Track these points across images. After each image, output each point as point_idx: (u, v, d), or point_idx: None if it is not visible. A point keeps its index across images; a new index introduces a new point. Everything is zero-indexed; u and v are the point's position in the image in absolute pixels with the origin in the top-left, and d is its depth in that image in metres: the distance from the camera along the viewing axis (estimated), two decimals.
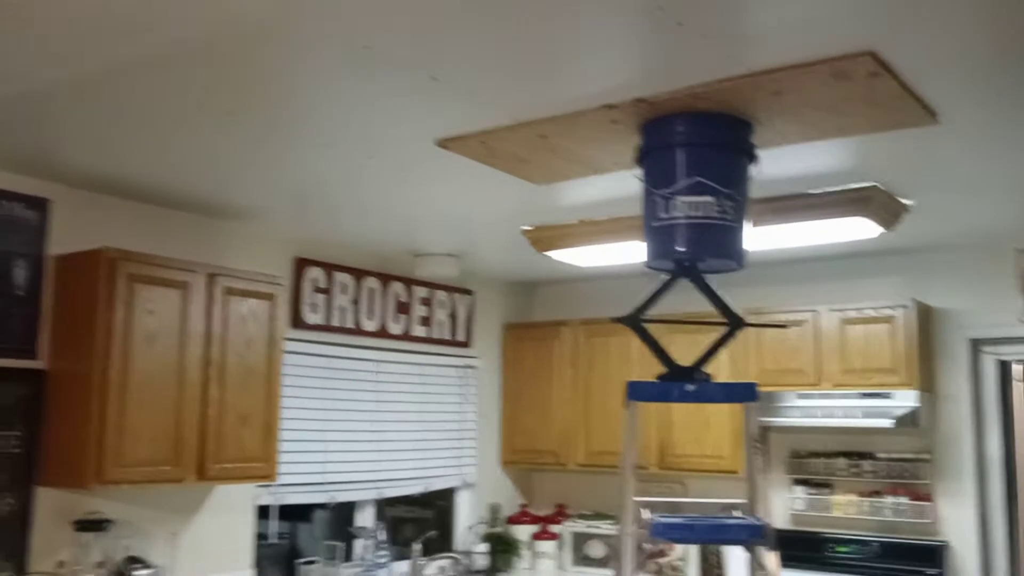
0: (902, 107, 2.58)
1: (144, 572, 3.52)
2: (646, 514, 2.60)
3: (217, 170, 3.35)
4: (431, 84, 2.49)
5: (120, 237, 3.64)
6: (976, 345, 4.60)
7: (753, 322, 2.81)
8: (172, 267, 3.53)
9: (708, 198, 2.60)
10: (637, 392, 2.64)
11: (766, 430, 4.96)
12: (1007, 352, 4.56)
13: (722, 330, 2.72)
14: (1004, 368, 4.60)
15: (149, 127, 2.88)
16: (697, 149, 2.65)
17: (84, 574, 3.32)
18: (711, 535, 2.57)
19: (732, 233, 2.64)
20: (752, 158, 2.74)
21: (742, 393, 2.65)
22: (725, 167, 2.65)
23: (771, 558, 2.44)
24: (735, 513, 2.69)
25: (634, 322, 2.71)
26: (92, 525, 3.43)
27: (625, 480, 2.61)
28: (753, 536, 2.41)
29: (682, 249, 2.63)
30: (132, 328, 3.37)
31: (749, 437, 2.61)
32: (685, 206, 2.61)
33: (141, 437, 3.37)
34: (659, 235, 2.67)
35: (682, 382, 2.63)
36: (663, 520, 2.40)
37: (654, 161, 2.71)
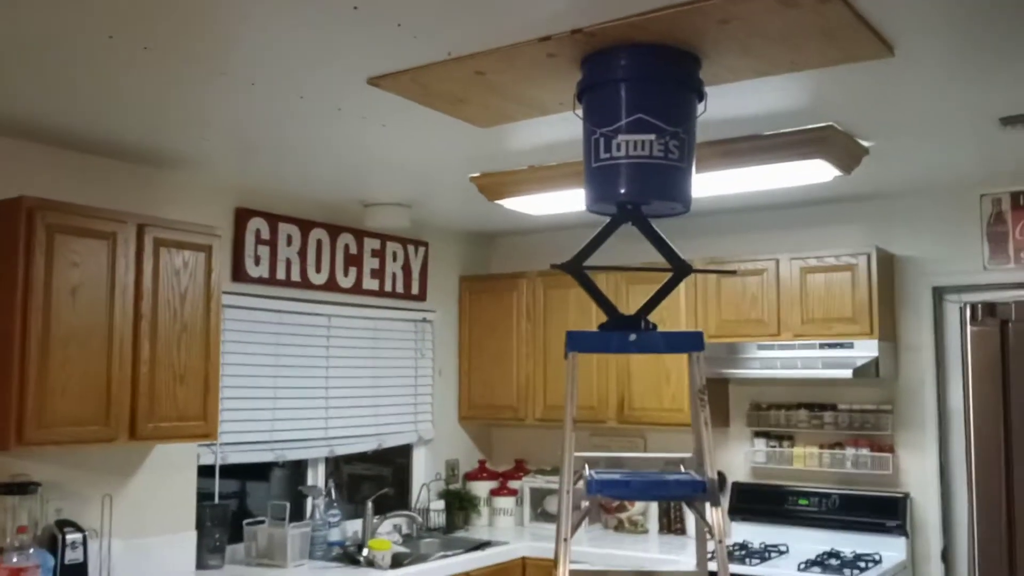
0: (856, 38, 2.43)
1: (75, 536, 3.38)
2: (587, 471, 2.49)
3: (137, 112, 3.15)
4: (353, 14, 2.32)
5: (43, 188, 3.45)
6: (939, 293, 4.51)
7: (701, 268, 2.68)
8: (97, 216, 3.34)
9: (651, 136, 2.44)
10: (577, 342, 2.50)
11: (726, 382, 4.86)
12: (971, 300, 4.46)
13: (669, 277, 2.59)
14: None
15: (54, 63, 2.68)
16: (639, 84, 2.49)
17: (7, 538, 3.17)
18: (649, 491, 2.44)
19: (677, 174, 2.49)
20: (699, 95, 2.59)
21: (686, 342, 2.51)
22: (669, 103, 2.49)
23: (715, 514, 2.33)
24: (681, 468, 2.58)
25: (575, 269, 2.56)
26: (17, 488, 3.27)
27: (566, 435, 2.48)
28: (695, 492, 2.29)
29: (624, 191, 2.48)
30: (54, 281, 3.19)
31: (694, 389, 2.49)
32: (627, 145, 2.45)
33: (66, 396, 3.21)
34: (600, 176, 2.52)
35: (624, 332, 2.50)
36: (598, 477, 2.28)
37: (594, 98, 2.55)
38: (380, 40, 2.50)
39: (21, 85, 2.88)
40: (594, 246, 2.58)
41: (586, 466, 2.52)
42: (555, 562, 2.61)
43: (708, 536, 2.34)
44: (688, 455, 2.61)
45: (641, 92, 2.48)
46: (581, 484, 2.40)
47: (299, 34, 2.47)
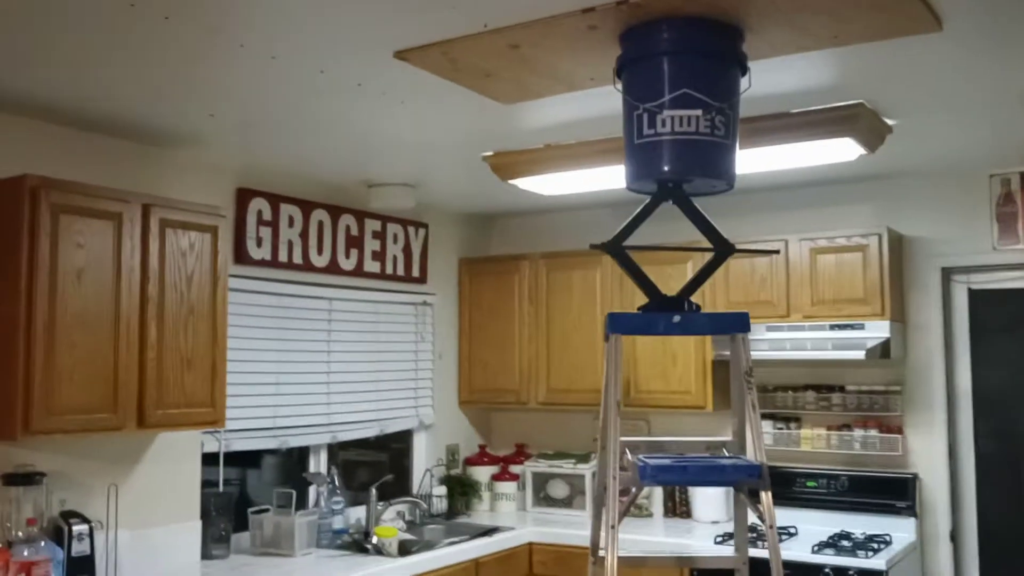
0: (906, 10, 2.37)
1: (81, 527, 3.26)
2: (628, 455, 2.42)
3: (151, 88, 3.02)
4: None
5: (44, 166, 3.31)
6: (947, 274, 4.49)
7: (743, 248, 2.62)
8: (102, 196, 3.21)
9: (697, 112, 2.37)
10: (619, 324, 2.43)
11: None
12: (979, 280, 4.45)
13: (708, 257, 2.53)
14: (975, 297, 4.49)
15: (73, 36, 2.55)
16: (684, 58, 2.41)
17: (15, 531, 3.05)
18: (705, 477, 2.38)
19: (722, 150, 2.42)
20: (743, 69, 2.52)
21: (732, 323, 2.46)
22: (715, 78, 2.42)
23: (766, 499, 2.27)
24: (724, 452, 2.52)
25: (616, 249, 2.49)
26: (22, 479, 3.15)
27: (608, 419, 2.41)
28: (751, 477, 2.23)
29: (668, 168, 2.40)
30: (59, 263, 3.06)
31: (739, 371, 2.43)
32: (671, 121, 2.38)
33: (73, 382, 3.08)
34: (642, 153, 2.44)
35: (668, 313, 2.43)
36: (653, 462, 2.21)
37: (637, 72, 2.47)
38: (409, 10, 2.39)
39: (38, 62, 2.74)
40: (635, 225, 2.51)
41: (627, 451, 2.46)
42: (594, 550, 2.56)
43: (760, 522, 2.28)
44: (728, 439, 2.55)
45: (687, 66, 2.40)
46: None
47: (326, 5, 2.35)
